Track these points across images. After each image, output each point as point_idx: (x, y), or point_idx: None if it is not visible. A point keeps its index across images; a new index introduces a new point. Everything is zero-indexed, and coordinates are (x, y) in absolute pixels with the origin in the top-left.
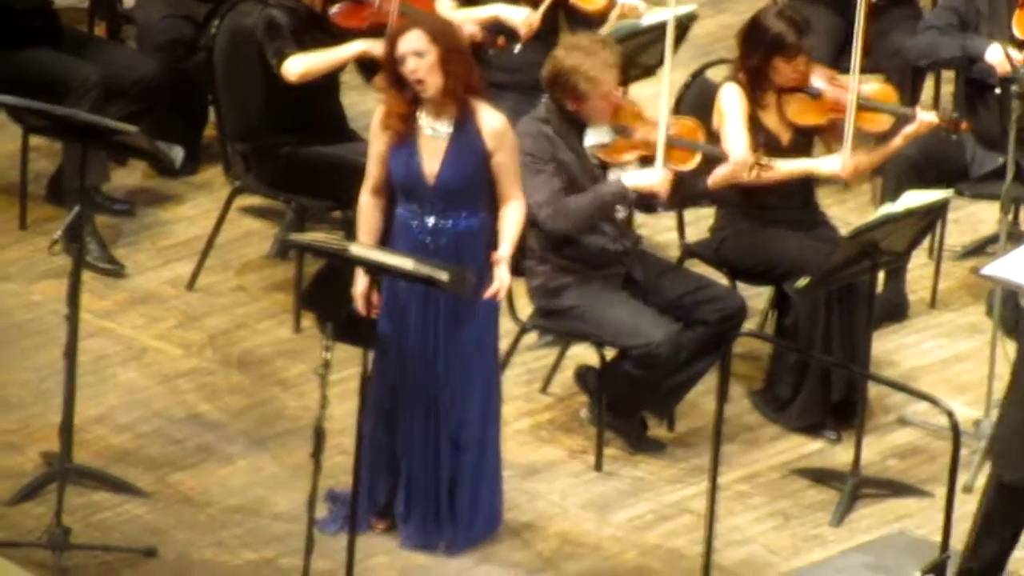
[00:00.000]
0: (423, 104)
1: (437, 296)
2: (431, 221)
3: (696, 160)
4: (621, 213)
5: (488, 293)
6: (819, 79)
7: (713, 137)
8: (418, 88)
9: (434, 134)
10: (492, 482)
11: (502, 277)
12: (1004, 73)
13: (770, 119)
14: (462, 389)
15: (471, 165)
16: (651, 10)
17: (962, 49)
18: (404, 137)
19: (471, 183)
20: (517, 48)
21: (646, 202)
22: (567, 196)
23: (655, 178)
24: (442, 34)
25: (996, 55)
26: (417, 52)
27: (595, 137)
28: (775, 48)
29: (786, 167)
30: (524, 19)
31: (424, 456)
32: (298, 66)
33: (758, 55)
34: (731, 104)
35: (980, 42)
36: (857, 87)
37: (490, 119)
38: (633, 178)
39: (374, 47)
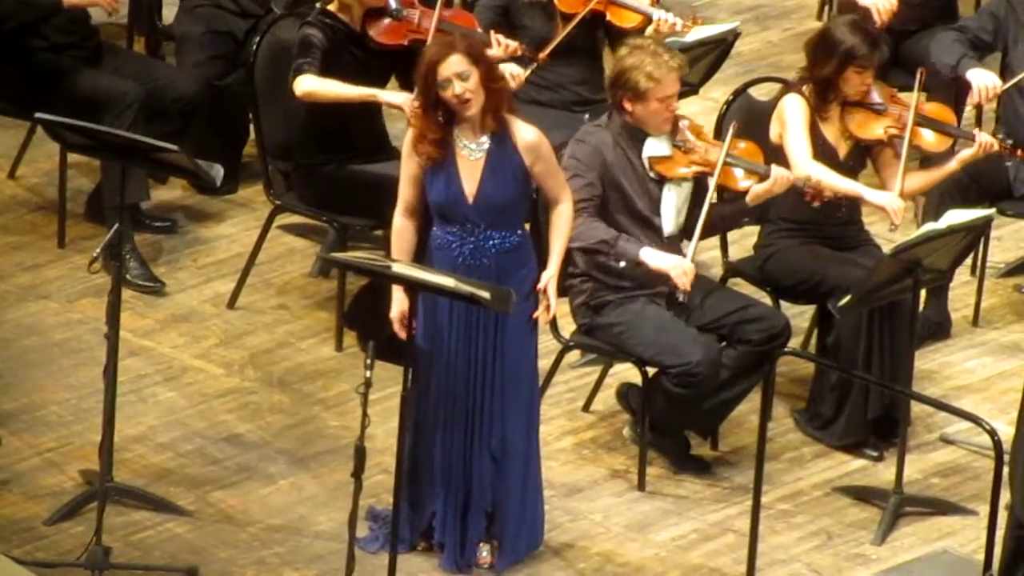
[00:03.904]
0: (458, 124)
1: (475, 313)
2: (471, 241)
3: (752, 181)
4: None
5: (535, 315)
6: (880, 96)
7: (771, 151)
8: (461, 108)
9: (471, 153)
10: (534, 500)
11: (549, 299)
12: (977, 100)
13: (830, 131)
14: (504, 405)
15: (510, 180)
16: (695, 27)
17: (957, 62)
18: (440, 160)
19: (511, 200)
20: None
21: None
22: (594, 213)
23: (674, 266)
24: (480, 53)
25: (979, 79)
26: (460, 75)
27: (654, 149)
28: (848, 59)
29: (839, 183)
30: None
31: (463, 476)
32: (307, 85)
33: (830, 66)
34: (794, 114)
35: (972, 64)
36: (918, 105)
37: (525, 132)
38: (654, 257)
39: (382, 94)
